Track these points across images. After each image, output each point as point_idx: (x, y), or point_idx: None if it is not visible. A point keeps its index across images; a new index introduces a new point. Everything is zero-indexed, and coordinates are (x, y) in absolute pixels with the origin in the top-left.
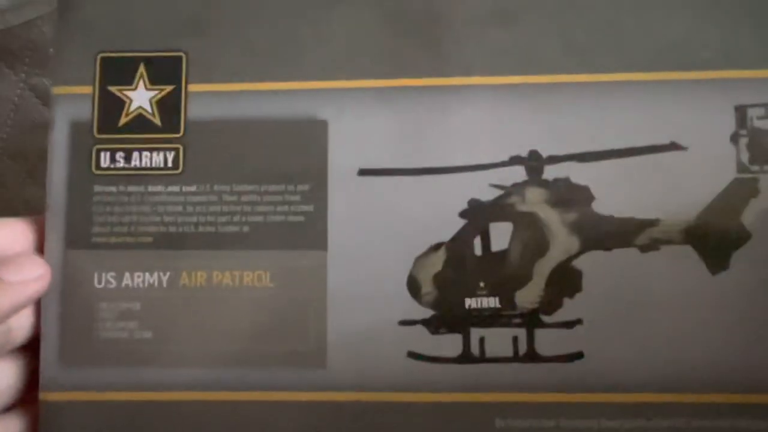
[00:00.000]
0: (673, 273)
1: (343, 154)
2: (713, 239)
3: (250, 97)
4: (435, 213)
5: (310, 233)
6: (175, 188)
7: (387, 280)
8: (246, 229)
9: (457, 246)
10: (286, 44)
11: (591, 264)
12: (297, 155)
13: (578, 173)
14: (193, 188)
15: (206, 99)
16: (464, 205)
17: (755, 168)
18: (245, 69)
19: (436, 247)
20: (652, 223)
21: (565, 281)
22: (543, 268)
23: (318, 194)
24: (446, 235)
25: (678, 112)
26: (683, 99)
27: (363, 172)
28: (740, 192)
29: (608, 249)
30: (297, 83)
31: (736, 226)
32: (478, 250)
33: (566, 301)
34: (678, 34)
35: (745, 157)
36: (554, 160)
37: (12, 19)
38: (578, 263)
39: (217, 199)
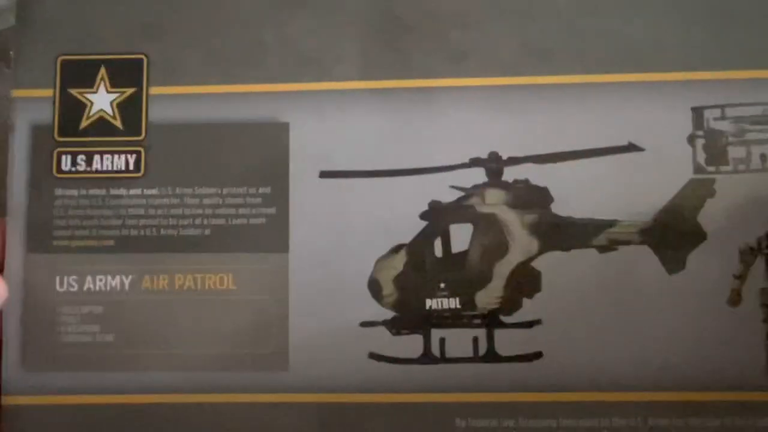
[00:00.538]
0: (630, 273)
1: (305, 157)
2: (670, 239)
3: (212, 100)
4: (396, 215)
5: (272, 236)
6: (137, 191)
7: (348, 282)
8: (208, 231)
9: (417, 248)
10: (248, 47)
11: (550, 265)
12: (258, 158)
13: (537, 175)
14: (154, 191)
15: (167, 102)
16: (425, 207)
17: (712, 169)
18: (207, 72)
19: (397, 249)
20: (610, 224)
21: (525, 282)
22: (503, 269)
23: (279, 197)
24: (407, 237)
25: (636, 114)
26: (641, 101)
27: (324, 175)
28: (697, 192)
29: (567, 250)
30: (259, 86)
31: (693, 226)
32: (438, 252)
33: (526, 301)
34: (636, 36)
35: (701, 158)
36: (514, 161)
37: (12, 18)
38: (537, 264)
39: (178, 201)
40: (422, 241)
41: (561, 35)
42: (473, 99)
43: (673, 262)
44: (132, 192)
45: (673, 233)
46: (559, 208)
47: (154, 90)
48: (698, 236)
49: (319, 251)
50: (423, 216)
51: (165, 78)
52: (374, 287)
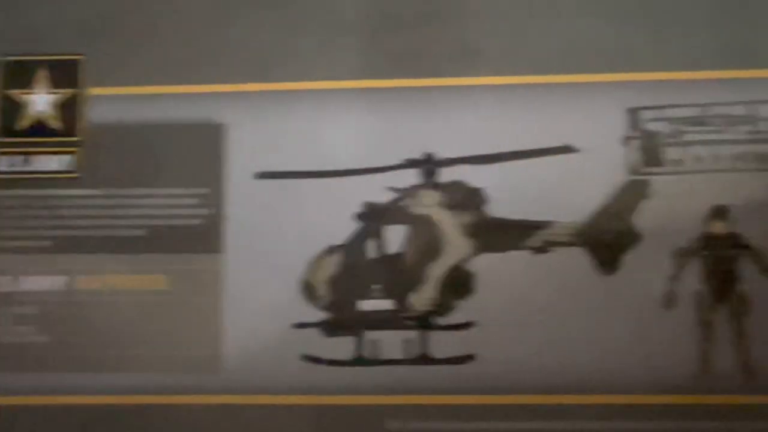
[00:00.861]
0: (565, 274)
1: (241, 158)
2: (605, 241)
3: (150, 101)
4: (331, 216)
5: (207, 237)
6: (74, 192)
7: (283, 284)
8: (143, 232)
9: (351, 249)
10: (186, 49)
11: (484, 266)
12: (195, 159)
13: (472, 176)
14: (91, 192)
15: (106, 103)
16: (360, 208)
17: (647, 170)
18: (145, 73)
19: (331, 251)
20: (544, 226)
21: (458, 283)
22: (436, 271)
23: (215, 197)
24: (342, 238)
25: (571, 115)
26: (576, 102)
27: (261, 176)
28: (632, 194)
29: (501, 251)
30: (196, 87)
31: (628, 227)
32: (372, 253)
33: (459, 303)
34: (572, 38)
35: (637, 159)
36: (448, 162)
37: None
38: (471, 265)
39: (114, 203)
40: (356, 242)
41: (498, 37)
42: (409, 100)
43: (608, 264)
44: (68, 193)
45: (607, 235)
46: (493, 209)
47: (93, 91)
48: (633, 238)
49: (254, 252)
50: (357, 217)
51: (104, 79)
52: (307, 289)
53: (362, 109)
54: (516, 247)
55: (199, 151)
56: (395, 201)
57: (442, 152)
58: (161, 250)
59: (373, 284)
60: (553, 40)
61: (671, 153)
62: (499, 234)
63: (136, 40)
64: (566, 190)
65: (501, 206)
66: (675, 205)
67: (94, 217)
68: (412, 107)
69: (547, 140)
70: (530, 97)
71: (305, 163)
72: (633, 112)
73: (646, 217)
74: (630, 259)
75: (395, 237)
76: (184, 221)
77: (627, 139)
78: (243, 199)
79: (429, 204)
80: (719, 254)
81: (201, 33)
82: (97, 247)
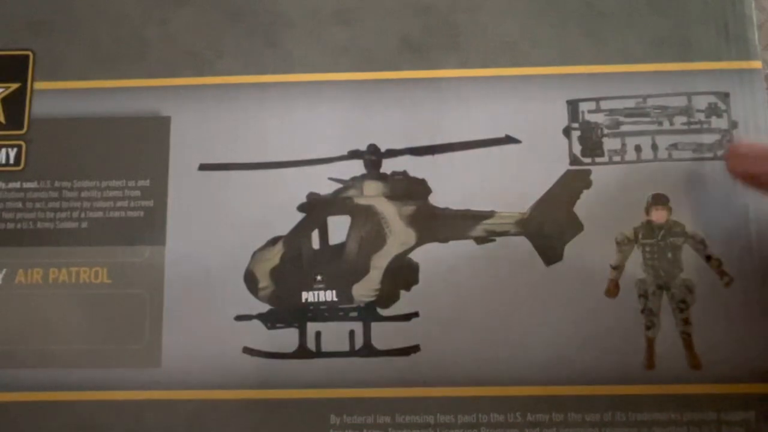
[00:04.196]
0: (508, 264)
1: (185, 150)
2: (547, 230)
3: (95, 95)
4: (274, 207)
5: (149, 229)
6: (16, 185)
7: (225, 276)
8: (84, 225)
9: (294, 240)
10: (131, 43)
11: (428, 256)
12: (139, 151)
13: (416, 167)
14: (33, 185)
15: (51, 97)
16: (303, 199)
17: (587, 160)
18: (91, 67)
19: (274, 242)
20: (487, 216)
21: (402, 274)
22: (380, 261)
23: (158, 189)
24: (285, 230)
25: (513, 107)
26: (517, 94)
27: (203, 167)
28: (573, 183)
29: (444, 241)
30: (141, 81)
31: (570, 217)
32: (315, 244)
33: (403, 293)
34: (512, 32)
35: (577, 149)
36: (392, 153)
37: None
38: (415, 256)
39: (57, 195)
40: (299, 233)
41: (438, 31)
42: (353, 93)
43: (551, 253)
44: (11, 185)
45: (550, 224)
46: (437, 200)
47: (39, 85)
48: (575, 227)
49: (196, 244)
50: (300, 208)
51: (50, 73)
52: (250, 280)
53: (306, 102)
54: (459, 237)
55: (144, 143)
56: (339, 191)
57: (387, 143)
58: (103, 242)
59: (316, 275)
60: (494, 35)
61: (610, 143)
62: (442, 224)
63: (83, 34)
64: (508, 180)
65: (444, 196)
66: (616, 194)
67: (35, 210)
68: (358, 99)
69: (489, 131)
70: (474, 89)
71: (249, 156)
72: (573, 104)
73: (587, 206)
74: (572, 249)
75: (339, 228)
76: (126, 213)
77: (567, 130)
78: (186, 190)
79: (372, 194)
80: (661, 242)
81: (146, 27)
82: (38, 240)
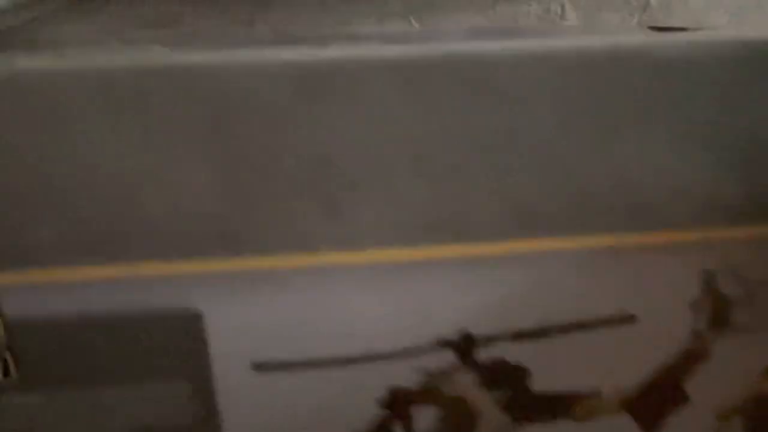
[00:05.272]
0: None
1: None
2: (652, 405)
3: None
4: (350, 405)
5: None
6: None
7: None
8: None
9: None
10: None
11: None
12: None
13: (515, 352)
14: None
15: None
16: (384, 394)
17: (711, 335)
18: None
19: None
20: (591, 395)
21: None
22: None
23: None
24: (362, 427)
25: (630, 279)
26: (638, 264)
27: (258, 368)
28: (690, 359)
29: (543, 422)
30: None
31: (677, 390)
32: None
33: None
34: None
35: (703, 323)
36: (489, 341)
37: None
38: None
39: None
40: (382, 428)
41: (543, 197)
42: (436, 273)
43: (650, 427)
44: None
45: (656, 399)
46: (536, 383)
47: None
48: (681, 400)
49: None
50: (382, 404)
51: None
52: None
53: (369, 285)
54: (559, 418)
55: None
56: (426, 384)
57: (479, 328)
58: None
59: None
60: None
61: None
62: (540, 407)
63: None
64: (616, 359)
65: (544, 379)
66: (728, 366)
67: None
68: (443, 280)
69: (601, 307)
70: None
71: (315, 350)
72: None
73: (696, 378)
74: (673, 421)
75: (423, 416)
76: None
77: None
78: (237, 394)
79: (465, 385)
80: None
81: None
82: None
